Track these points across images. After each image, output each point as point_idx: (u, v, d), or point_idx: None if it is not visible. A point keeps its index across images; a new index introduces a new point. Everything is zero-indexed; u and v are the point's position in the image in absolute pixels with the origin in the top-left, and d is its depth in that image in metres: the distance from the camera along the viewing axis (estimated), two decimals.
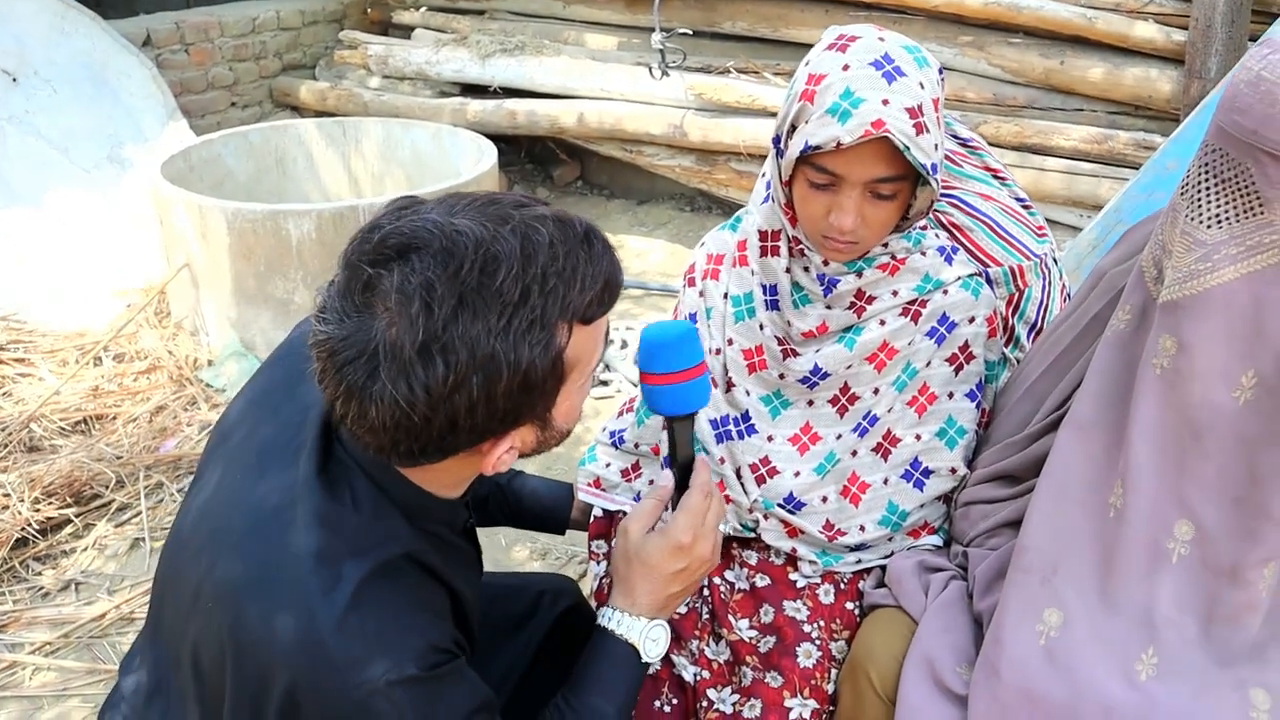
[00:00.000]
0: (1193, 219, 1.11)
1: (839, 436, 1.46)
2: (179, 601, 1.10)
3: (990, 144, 3.70)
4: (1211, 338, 1.11)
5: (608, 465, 1.65)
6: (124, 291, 4.15)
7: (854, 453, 1.46)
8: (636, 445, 1.64)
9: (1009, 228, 1.62)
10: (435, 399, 0.92)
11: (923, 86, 1.27)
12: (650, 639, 1.19)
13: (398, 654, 0.98)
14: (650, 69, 3.82)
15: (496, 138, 4.33)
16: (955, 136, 1.72)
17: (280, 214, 3.62)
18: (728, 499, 1.46)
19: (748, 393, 1.50)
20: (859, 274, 1.42)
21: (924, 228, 1.47)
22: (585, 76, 4.44)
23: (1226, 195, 1.08)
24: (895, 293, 1.43)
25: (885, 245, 1.41)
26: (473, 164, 4.28)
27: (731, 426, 1.50)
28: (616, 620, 1.19)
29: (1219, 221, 1.09)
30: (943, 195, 1.62)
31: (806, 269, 1.44)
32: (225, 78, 5.24)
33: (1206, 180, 1.10)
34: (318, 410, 1.09)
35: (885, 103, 1.24)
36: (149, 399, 3.60)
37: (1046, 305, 1.66)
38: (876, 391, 1.45)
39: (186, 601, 1.08)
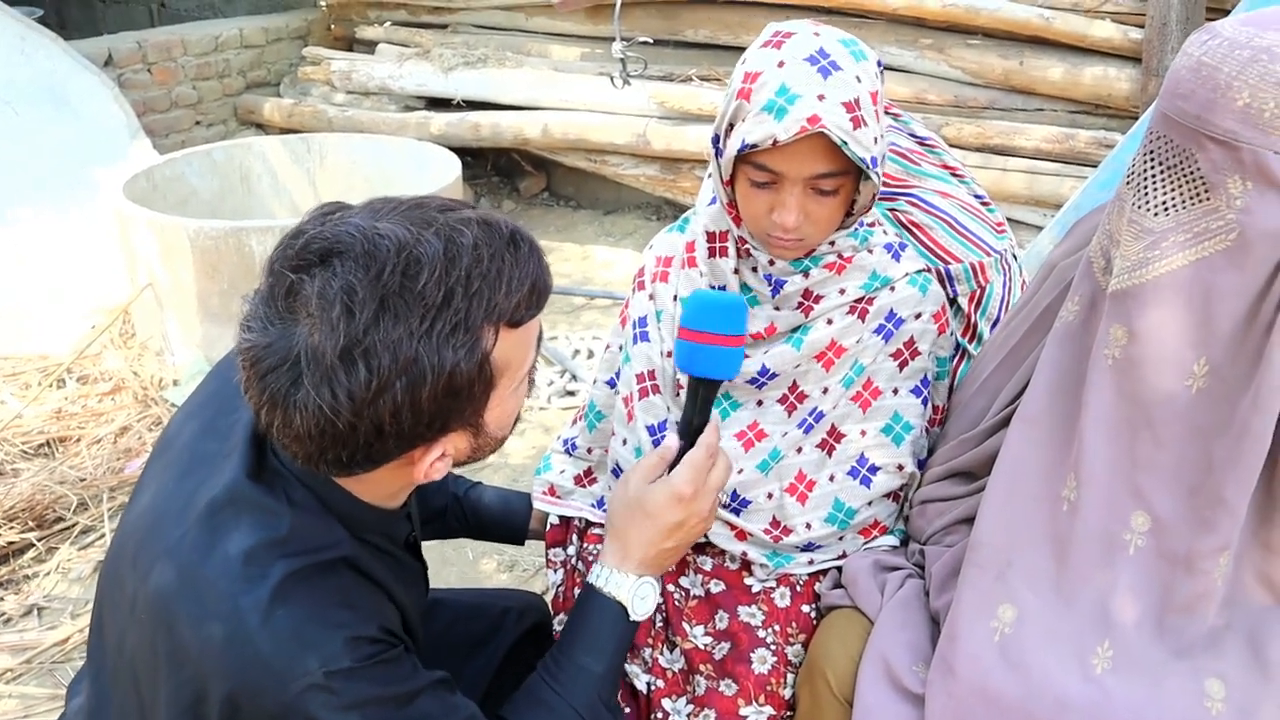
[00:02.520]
0: (1139, 207, 1.10)
1: (785, 434, 1.44)
2: (117, 615, 1.08)
3: (952, 145, 3.73)
4: (1162, 326, 1.10)
5: (562, 472, 1.63)
6: (88, 313, 4.09)
7: (799, 449, 1.45)
8: (589, 451, 1.62)
9: (968, 224, 1.61)
10: (359, 405, 0.91)
11: (859, 80, 1.26)
12: (639, 597, 1.18)
13: (330, 646, 0.96)
14: (612, 79, 3.82)
15: (461, 151, 4.31)
16: (913, 135, 1.71)
17: (243, 231, 3.58)
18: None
19: None
20: (806, 274, 1.41)
21: (871, 225, 1.46)
22: (549, 88, 4.44)
23: (1172, 182, 1.07)
24: (842, 291, 1.42)
25: (832, 244, 1.40)
26: (437, 177, 4.26)
27: (673, 429, 1.48)
28: (605, 577, 1.18)
29: (1166, 209, 1.08)
30: (901, 193, 1.62)
31: (754, 269, 1.43)
32: (189, 96, 5.20)
33: (1152, 168, 1.09)
34: (249, 419, 1.07)
35: (821, 98, 1.23)
36: (113, 420, 3.55)
37: (1008, 301, 1.65)
38: (825, 390, 1.44)
39: (124, 615, 1.06)
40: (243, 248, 3.59)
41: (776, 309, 1.44)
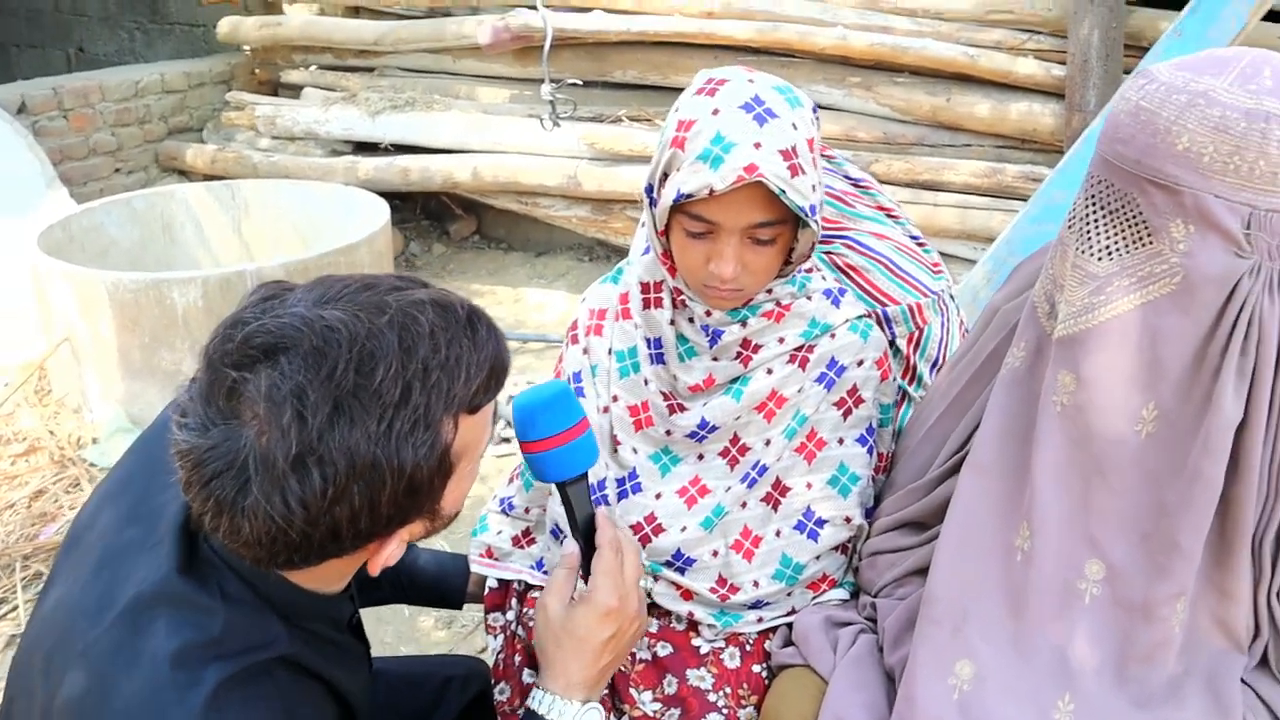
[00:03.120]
0: (1083, 252, 1.08)
1: (728, 489, 1.40)
2: None
3: (883, 182, 3.76)
4: (1109, 371, 1.08)
5: (499, 533, 1.57)
6: (0, 370, 3.93)
7: (743, 504, 1.41)
8: (527, 510, 1.57)
9: (905, 265, 1.59)
10: (314, 513, 0.85)
11: (795, 127, 1.23)
12: None
13: None
14: (542, 120, 3.79)
15: (391, 195, 4.24)
16: (847, 177, 1.70)
17: (164, 283, 3.47)
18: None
19: (635, 450, 1.44)
20: (743, 323, 1.38)
21: (809, 271, 1.44)
22: (478, 130, 4.39)
23: (1115, 226, 1.06)
24: (782, 340, 1.39)
25: (769, 292, 1.37)
26: (366, 223, 4.18)
27: (612, 489, 1.43)
28: (549, 705, 1.11)
29: (1109, 253, 1.06)
30: (836, 236, 1.60)
31: (691, 320, 1.39)
32: (108, 143, 5.07)
33: (1094, 212, 1.08)
34: (179, 505, 0.99)
35: (757, 146, 1.20)
36: (27, 483, 3.40)
37: (946, 341, 1.64)
38: (768, 442, 1.40)
39: None
40: (164, 300, 3.47)
41: (714, 360, 1.40)
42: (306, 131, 4.73)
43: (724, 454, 1.43)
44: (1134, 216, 1.04)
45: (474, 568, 1.57)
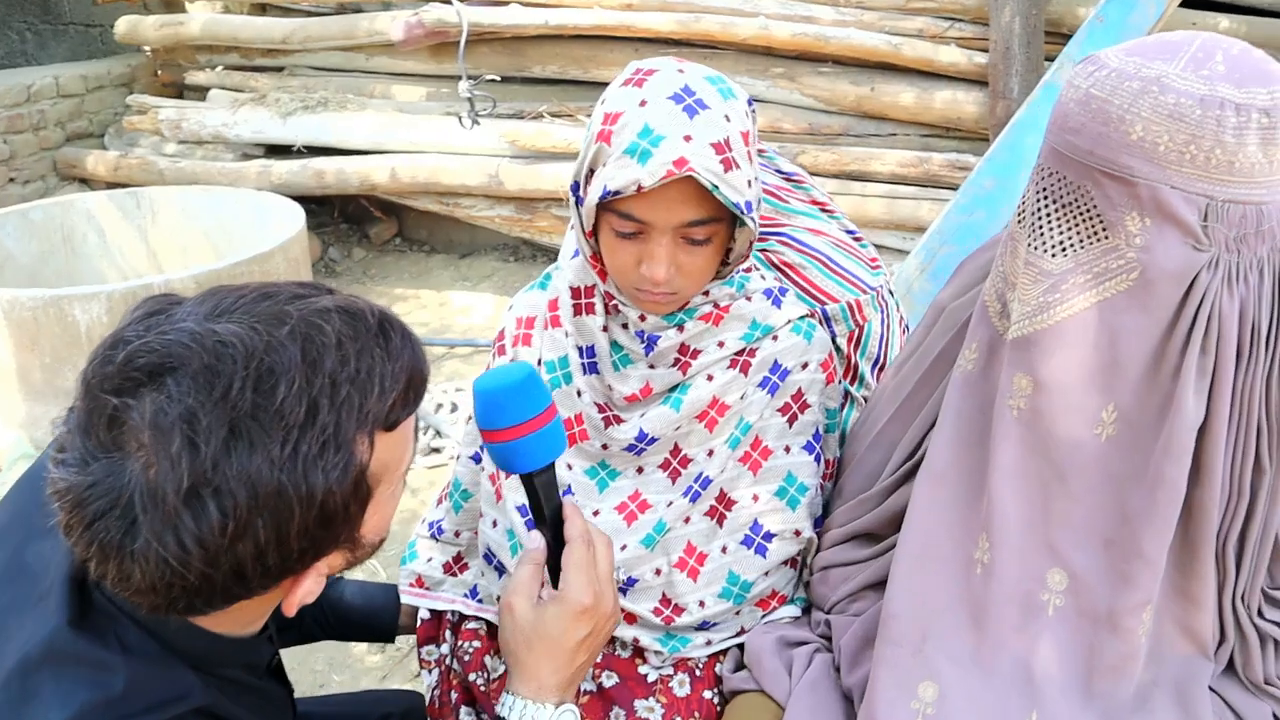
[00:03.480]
0: (1035, 248, 1.03)
1: (670, 504, 1.33)
2: None
3: (810, 173, 3.73)
4: (1066, 372, 1.03)
5: (429, 560, 1.49)
6: None
7: (687, 519, 1.34)
8: (457, 534, 1.48)
9: (842, 262, 1.54)
10: (213, 552, 0.75)
11: (728, 119, 1.17)
12: None
13: None
14: (460, 118, 3.68)
15: (307, 199, 4.10)
16: (779, 171, 1.64)
17: (64, 299, 3.30)
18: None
19: (570, 466, 1.36)
20: (680, 328, 1.31)
21: (748, 270, 1.37)
22: (394, 130, 4.26)
23: (1068, 221, 1.01)
24: (721, 344, 1.33)
25: (707, 294, 1.31)
26: (281, 229, 4.03)
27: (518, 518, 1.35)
28: (520, 710, 1.02)
29: (1064, 249, 1.01)
30: (771, 233, 1.54)
31: (625, 326, 1.33)
32: (0, 152, 4.82)
33: (1045, 206, 1.02)
34: (64, 551, 0.89)
35: (688, 139, 1.14)
36: None
37: (887, 339, 1.59)
38: (711, 453, 1.34)
39: None
40: (65, 318, 3.30)
41: (651, 367, 1.33)
42: (214, 135, 4.55)
43: (665, 466, 1.36)
44: (1088, 210, 1.00)
45: (404, 599, 1.49)
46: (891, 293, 1.65)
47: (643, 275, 1.22)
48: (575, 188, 1.25)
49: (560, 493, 1.11)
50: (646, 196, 1.15)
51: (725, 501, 1.35)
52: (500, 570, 1.39)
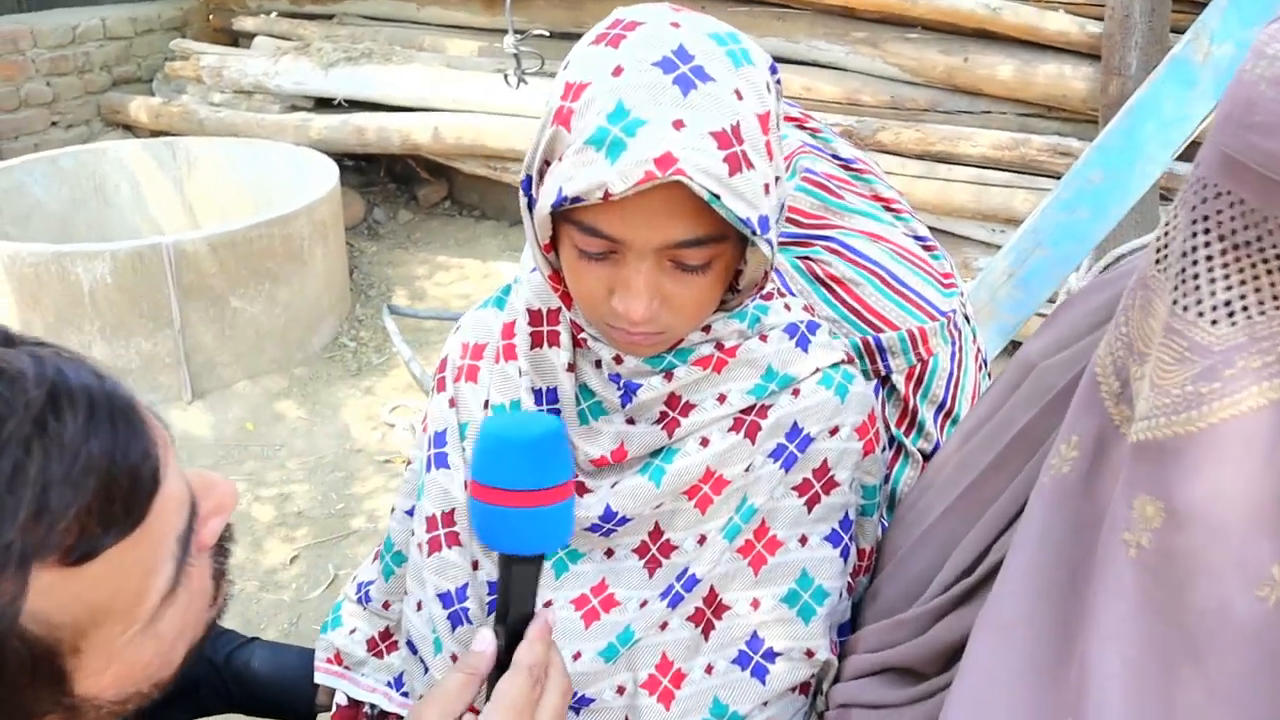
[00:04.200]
0: (1184, 308, 0.66)
1: (643, 604, 1.00)
2: None
3: (890, 153, 3.30)
4: (1224, 502, 0.69)
5: (352, 632, 1.19)
6: None
7: (663, 625, 1.01)
8: (386, 605, 1.17)
9: (906, 277, 1.21)
10: None
11: (740, 95, 0.82)
12: None
13: None
14: (506, 76, 3.35)
15: (354, 156, 3.82)
16: (835, 157, 1.30)
17: (66, 257, 3.07)
18: (473, 709, 1.00)
19: None
20: (668, 374, 0.97)
21: (768, 297, 1.03)
22: (439, 86, 3.95)
23: (1241, 271, 0.64)
24: (723, 397, 0.99)
25: (707, 329, 0.97)
26: (316, 186, 3.77)
27: (481, 593, 1.03)
28: None
29: (1231, 314, 0.65)
30: (816, 237, 1.20)
31: (598, 364, 0.99)
32: (42, 94, 4.64)
33: (1204, 245, 0.66)
34: None
35: (678, 125, 0.79)
36: None
37: (958, 378, 1.25)
38: (702, 540, 1.00)
39: None
40: (67, 276, 3.07)
41: (630, 423, 1.00)
42: (255, 84, 4.29)
43: (641, 552, 1.02)
44: (1276, 256, 0.63)
45: (318, 676, 1.19)
46: (968, 318, 1.29)
47: (615, 310, 0.88)
48: (526, 184, 0.91)
49: (536, 599, 0.83)
50: (618, 206, 0.81)
51: (715, 606, 1.00)
52: (424, 666, 1.08)
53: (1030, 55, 3.26)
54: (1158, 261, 0.70)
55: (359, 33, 4.34)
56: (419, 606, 1.08)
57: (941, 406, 1.22)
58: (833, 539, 1.03)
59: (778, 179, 0.88)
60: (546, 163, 0.87)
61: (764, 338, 1.00)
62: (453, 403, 1.09)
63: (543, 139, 0.86)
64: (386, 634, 1.18)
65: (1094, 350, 0.81)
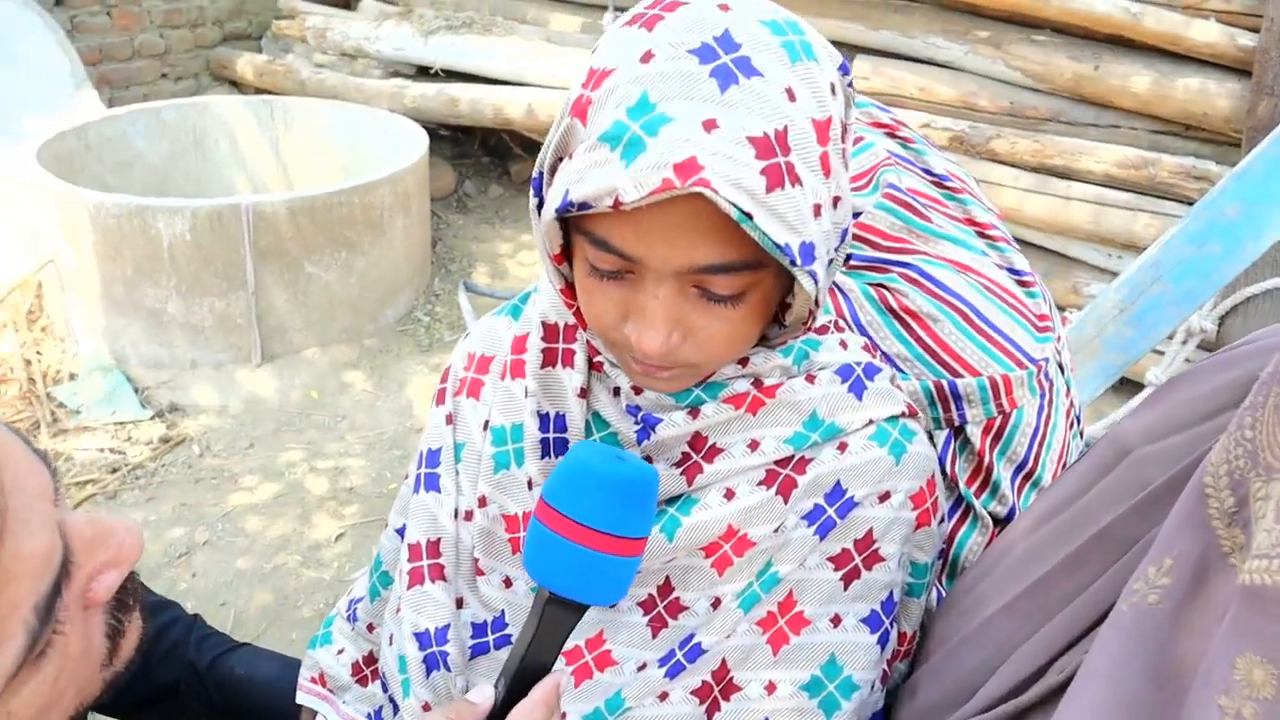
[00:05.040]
0: None
1: (641, 666, 0.88)
2: None
3: (1003, 163, 3.06)
4: None
5: (340, 652, 1.10)
6: None
7: (662, 696, 0.87)
8: (371, 628, 1.06)
9: (994, 317, 1.05)
10: None
11: (793, 96, 0.68)
12: None
13: None
14: None
15: (450, 127, 3.74)
16: (927, 172, 1.17)
17: (149, 210, 3.05)
18: None
19: (507, 583, 0.91)
20: (694, 411, 0.84)
21: (822, 330, 0.88)
22: (536, 60, 3.84)
23: None
24: (755, 444, 0.86)
25: (744, 363, 0.82)
26: (406, 153, 3.71)
27: (464, 637, 0.92)
28: None
29: None
30: (894, 263, 1.06)
31: (616, 391, 0.86)
32: (155, 45, 4.68)
33: None
34: None
35: (710, 125, 0.66)
36: None
37: (1044, 436, 1.10)
38: (716, 604, 0.87)
39: None
40: (149, 230, 3.05)
41: (647, 461, 0.86)
42: (356, 48, 4.24)
43: (646, 606, 0.90)
44: None
45: (300, 696, 1.10)
46: (1063, 368, 1.13)
47: (628, 338, 0.75)
48: (537, 184, 0.78)
49: (559, 657, 0.76)
50: (633, 218, 0.69)
51: (725, 684, 0.87)
52: (395, 707, 0.97)
53: (1169, 66, 2.99)
54: None
55: (464, 1, 4.25)
56: (390, 640, 0.97)
57: (1021, 467, 1.07)
58: (871, 622, 0.88)
59: (837, 200, 0.73)
60: (560, 159, 0.73)
61: (811, 378, 0.86)
62: (450, 419, 0.96)
63: (557, 131, 0.73)
64: (371, 658, 1.08)
65: (1206, 448, 0.64)
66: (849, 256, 1.06)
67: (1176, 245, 1.98)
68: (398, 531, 1.04)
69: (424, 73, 4.30)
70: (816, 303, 0.73)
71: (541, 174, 0.76)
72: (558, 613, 0.74)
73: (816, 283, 0.70)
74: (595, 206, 0.67)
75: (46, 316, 3.48)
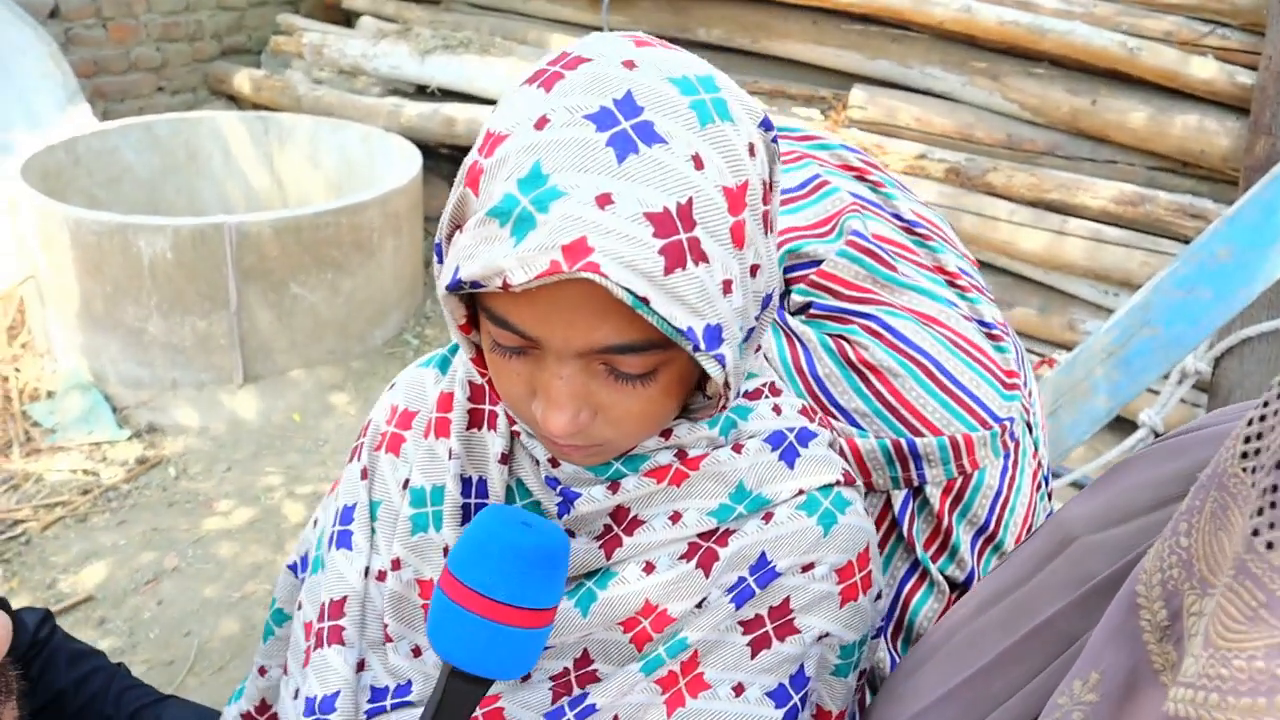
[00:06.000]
0: (1270, 544, 0.45)
1: None
2: None
3: (1000, 196, 3.00)
4: None
5: (248, 702, 1.03)
6: None
7: None
8: (263, 671, 1.01)
9: (958, 373, 1.00)
10: None
11: (700, 164, 0.63)
12: None
13: None
14: None
15: (446, 146, 3.70)
16: (896, 217, 1.11)
17: (130, 228, 3.01)
18: None
19: (415, 651, 0.86)
20: (614, 485, 0.78)
21: (754, 395, 0.83)
22: None
23: None
24: (677, 516, 0.81)
25: (667, 434, 0.77)
26: (399, 172, 3.67)
27: (363, 704, 0.87)
28: None
29: None
30: (854, 314, 1.01)
31: (536, 461, 0.80)
32: (151, 59, 4.65)
33: None
34: None
35: (604, 201, 0.61)
36: None
37: (1006, 498, 1.06)
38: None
39: None
40: (129, 247, 3.01)
41: (568, 534, 0.81)
42: (353, 65, 4.21)
43: (560, 679, 0.84)
44: None
45: None
46: (1031, 427, 1.08)
47: (535, 416, 0.70)
48: (439, 250, 0.73)
49: None
50: (528, 297, 0.64)
51: None
52: None
53: (1167, 102, 2.93)
54: (1245, 456, 0.48)
55: (463, 20, 4.22)
56: (295, 694, 0.91)
57: (983, 530, 1.02)
58: (777, 696, 0.82)
59: (755, 268, 0.68)
60: (456, 227, 0.69)
61: (739, 448, 0.80)
62: (365, 474, 0.91)
63: (453, 199, 0.68)
64: (263, 708, 1.02)
65: (1150, 542, 0.59)
66: (809, 305, 1.01)
67: (1166, 288, 1.92)
68: (290, 568, 0.99)
69: (423, 90, 4.27)
70: (727, 385, 0.68)
71: (440, 243, 0.71)
72: (461, 686, 0.71)
73: (724, 365, 0.65)
74: (486, 286, 0.62)
75: (27, 332, 3.44)
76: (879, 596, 0.86)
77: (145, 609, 2.43)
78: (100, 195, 3.83)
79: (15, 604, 1.11)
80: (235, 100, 4.85)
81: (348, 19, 4.99)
